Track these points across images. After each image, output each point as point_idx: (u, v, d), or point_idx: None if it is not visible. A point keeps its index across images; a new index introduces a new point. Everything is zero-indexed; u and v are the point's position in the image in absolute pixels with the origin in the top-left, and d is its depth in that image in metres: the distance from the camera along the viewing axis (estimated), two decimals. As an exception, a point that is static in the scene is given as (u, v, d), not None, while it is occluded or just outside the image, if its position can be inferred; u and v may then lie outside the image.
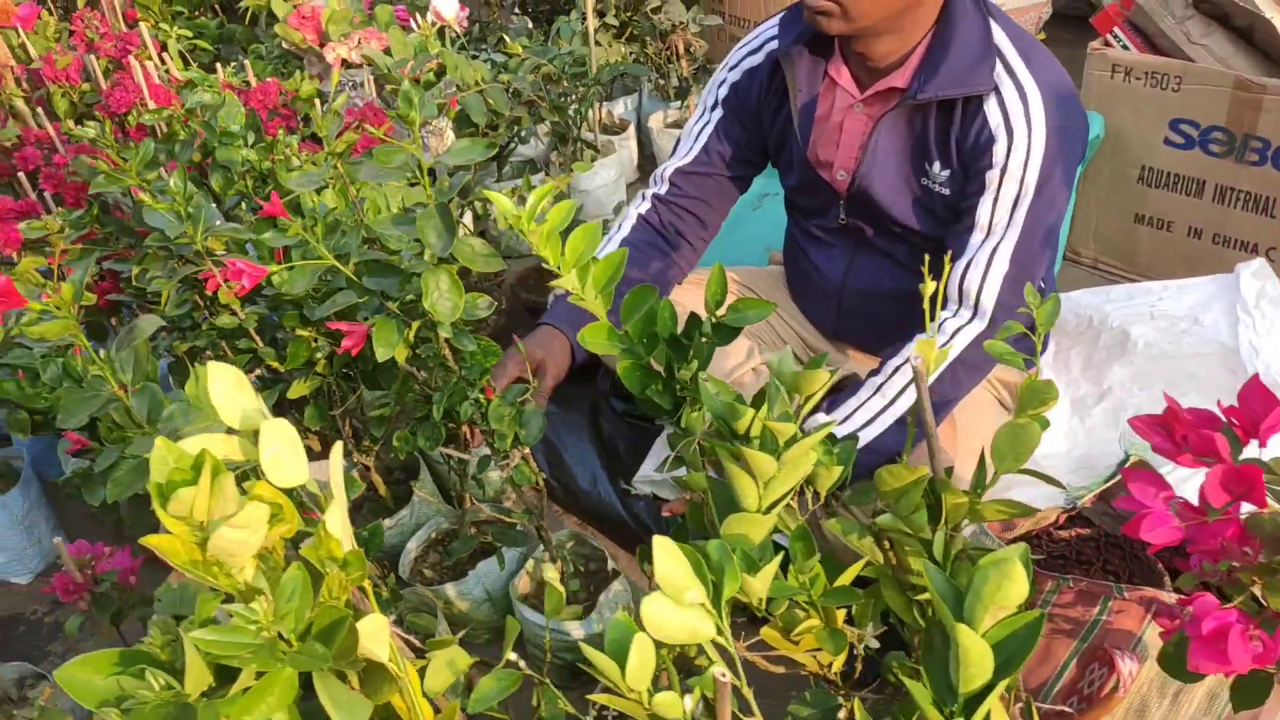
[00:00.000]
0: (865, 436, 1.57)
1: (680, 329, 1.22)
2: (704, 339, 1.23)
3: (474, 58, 2.54)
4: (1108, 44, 2.37)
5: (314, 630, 0.77)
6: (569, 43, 2.64)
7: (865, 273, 1.80)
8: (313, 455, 2.04)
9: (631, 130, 3.04)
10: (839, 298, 1.84)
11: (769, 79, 1.72)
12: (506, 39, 2.29)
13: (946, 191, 1.60)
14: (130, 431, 1.23)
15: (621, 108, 3.16)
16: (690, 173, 1.80)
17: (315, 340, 1.66)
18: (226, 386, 0.81)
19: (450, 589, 1.73)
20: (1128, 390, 1.88)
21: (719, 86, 1.77)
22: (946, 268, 1.52)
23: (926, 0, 1.51)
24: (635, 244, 1.80)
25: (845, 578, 1.04)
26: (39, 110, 2.92)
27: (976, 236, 1.56)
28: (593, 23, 2.60)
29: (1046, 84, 1.52)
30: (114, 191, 1.62)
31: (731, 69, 1.76)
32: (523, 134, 2.45)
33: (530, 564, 1.75)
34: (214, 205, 1.73)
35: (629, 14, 2.75)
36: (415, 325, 1.32)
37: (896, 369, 1.59)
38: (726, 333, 1.21)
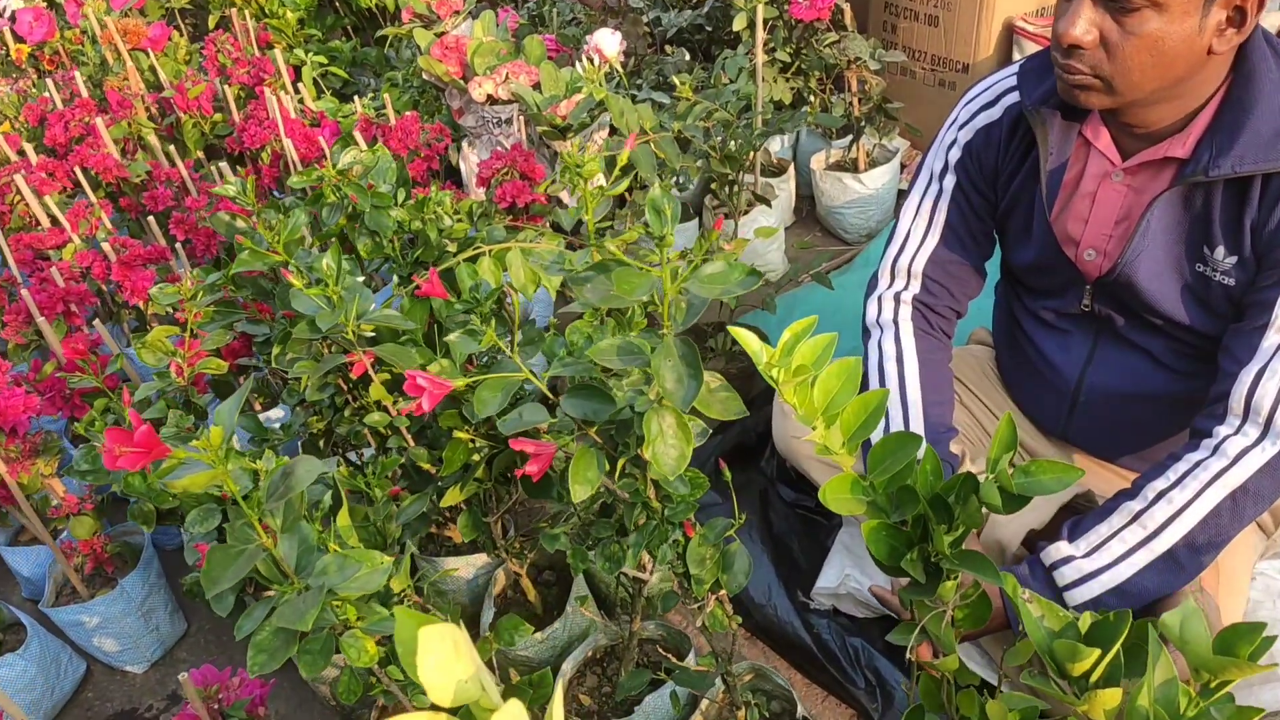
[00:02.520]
0: (1117, 576, 1.30)
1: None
2: (980, 506, 0.97)
3: (633, 97, 2.32)
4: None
5: None
6: (734, 79, 2.40)
7: (1110, 368, 1.51)
8: (453, 549, 1.84)
9: (791, 171, 2.78)
10: (1073, 395, 1.56)
11: (1009, 137, 1.45)
12: (674, 79, 2.05)
13: (1230, 281, 1.31)
14: (279, 586, 1.02)
15: (777, 145, 2.91)
16: (941, 260, 1.54)
17: (474, 442, 1.44)
18: (441, 658, 0.58)
19: (614, 726, 1.51)
20: None
21: (948, 149, 1.51)
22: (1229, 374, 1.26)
23: (1215, 60, 1.22)
24: (935, 364, 1.56)
25: None
26: (165, 142, 2.79)
27: (1272, 339, 1.27)
28: (761, 58, 2.35)
29: None
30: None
31: (962, 127, 1.50)
32: (680, 181, 2.22)
33: (705, 704, 1.51)
34: (361, 278, 1.53)
35: (799, 46, 2.50)
36: (621, 463, 1.09)
37: (1161, 494, 1.30)
38: (1016, 503, 0.96)
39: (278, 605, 1.00)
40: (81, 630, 1.78)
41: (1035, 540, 1.50)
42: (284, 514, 1.01)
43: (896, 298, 1.57)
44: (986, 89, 1.47)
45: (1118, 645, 0.75)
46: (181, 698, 1.81)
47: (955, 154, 1.50)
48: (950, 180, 1.51)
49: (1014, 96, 1.42)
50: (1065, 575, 1.31)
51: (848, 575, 1.73)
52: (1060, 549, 1.34)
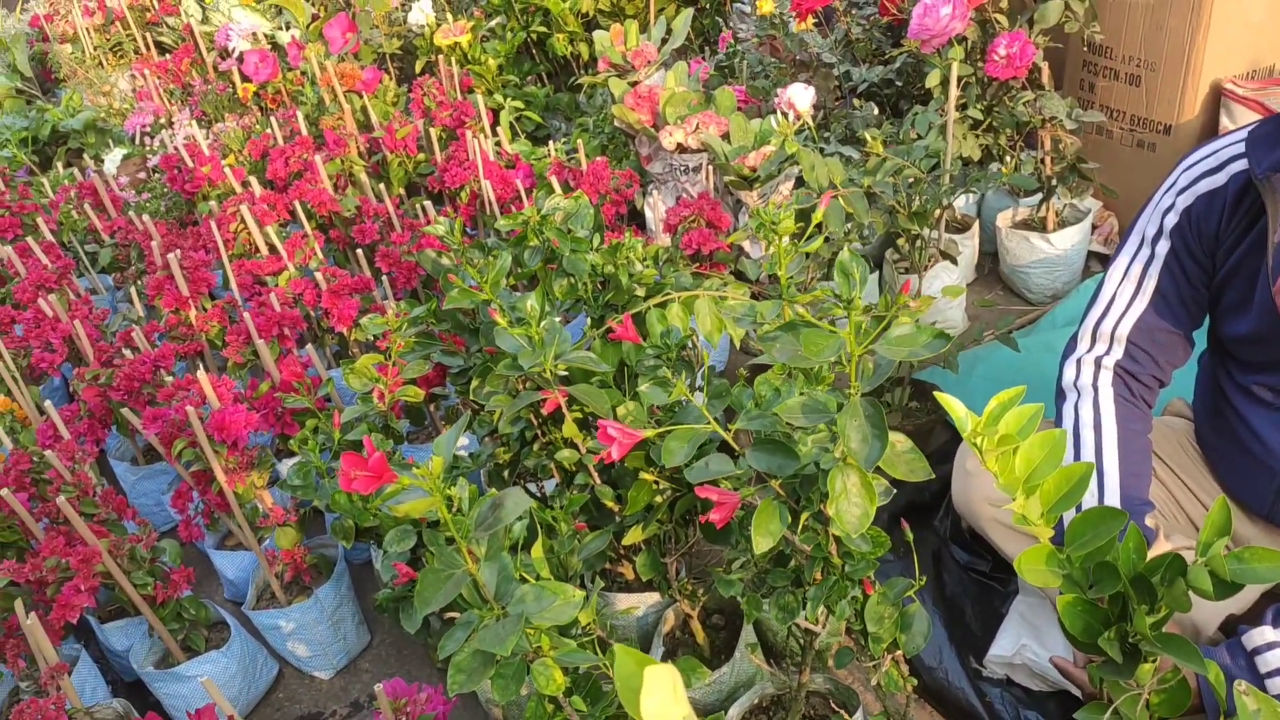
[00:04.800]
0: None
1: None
2: (1187, 590, 0.95)
3: (821, 150, 2.35)
4: None
5: None
6: (924, 135, 2.39)
7: None
8: (624, 585, 1.88)
9: (975, 228, 2.74)
10: (1283, 476, 1.49)
11: (1234, 205, 1.41)
12: (864, 134, 2.07)
13: None
14: (479, 611, 1.08)
15: (962, 201, 2.87)
16: (1148, 327, 1.50)
17: (657, 484, 1.49)
18: (662, 698, 0.62)
19: (778, 778, 1.51)
20: None
21: (1164, 213, 1.47)
22: None
23: None
24: (1134, 434, 1.52)
25: None
26: (373, 179, 2.97)
27: None
28: (953, 115, 2.34)
29: None
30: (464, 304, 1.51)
31: (1181, 192, 1.46)
32: (865, 235, 2.22)
33: (873, 762, 1.50)
34: (558, 319, 1.60)
35: (992, 103, 2.47)
36: (804, 517, 1.12)
37: None
38: (1228, 590, 0.93)
39: (478, 629, 1.06)
40: (278, 634, 1.90)
41: (1234, 624, 1.44)
42: (489, 543, 1.07)
43: (1097, 362, 1.54)
44: (1210, 154, 1.43)
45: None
46: (362, 706, 1.91)
47: (1172, 219, 1.46)
48: (1164, 245, 1.47)
49: (1241, 164, 1.37)
50: (1269, 661, 1.25)
51: (1024, 645, 1.69)
52: (1264, 634, 1.28)
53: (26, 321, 2.40)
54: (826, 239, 2.16)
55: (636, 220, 3.03)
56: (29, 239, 2.73)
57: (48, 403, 2.00)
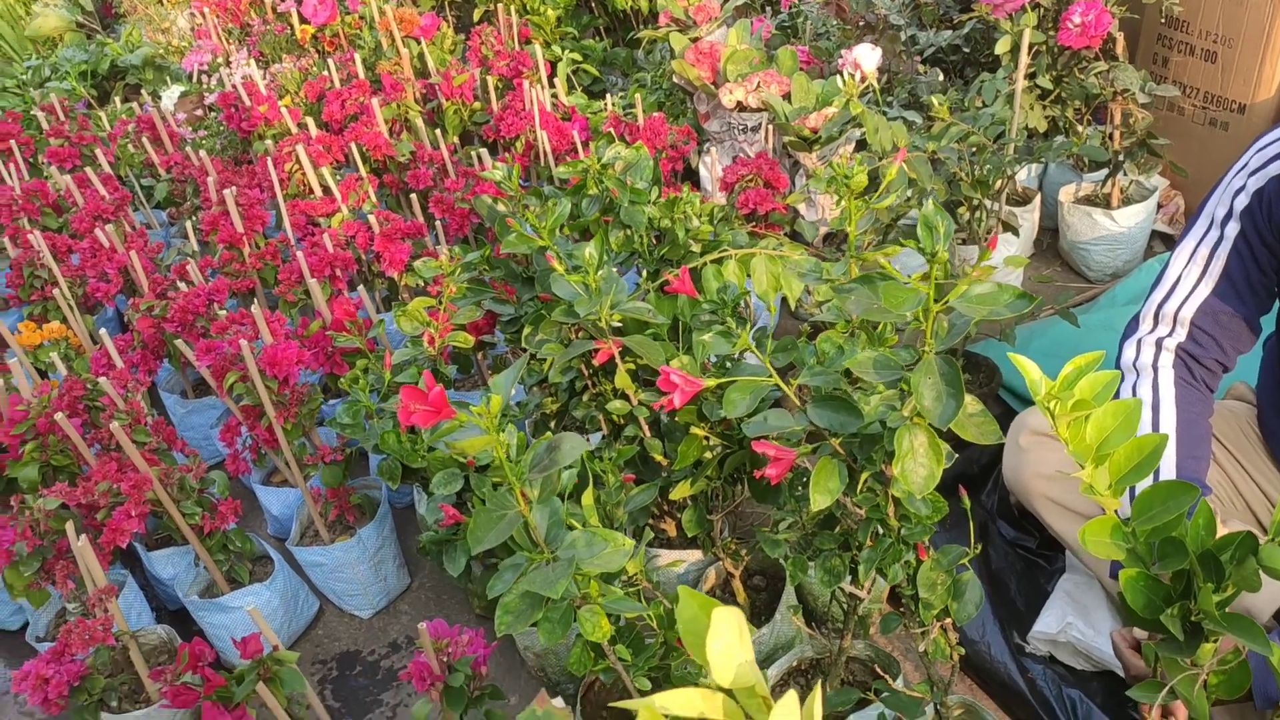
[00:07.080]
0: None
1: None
2: (1257, 569, 0.92)
3: (884, 114, 2.30)
4: None
5: None
6: (990, 103, 2.34)
7: None
8: (665, 542, 1.88)
9: (1036, 201, 2.69)
10: (1346, 464, 1.45)
11: None
12: (929, 99, 2.02)
13: None
14: (530, 553, 1.07)
15: (1024, 173, 2.82)
16: (1213, 310, 1.46)
17: (708, 439, 1.47)
18: (728, 640, 0.60)
19: (814, 740, 1.50)
20: None
21: (1235, 195, 1.43)
22: None
23: None
24: (1194, 417, 1.48)
25: None
26: (429, 125, 2.96)
27: None
28: (1021, 84, 2.29)
29: None
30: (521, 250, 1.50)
31: (1253, 173, 1.42)
32: (924, 200, 2.18)
33: (911, 730, 1.48)
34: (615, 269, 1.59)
35: (1062, 73, 2.41)
36: (864, 477, 1.10)
37: None
38: (1301, 571, 0.91)
39: (527, 571, 1.06)
40: (320, 571, 1.91)
41: (1289, 612, 1.41)
42: (542, 486, 1.07)
43: (1158, 343, 1.50)
44: None
45: None
46: (400, 646, 1.93)
47: (1242, 201, 1.42)
48: (1233, 228, 1.43)
49: None
50: (1325, 651, 1.22)
51: (1069, 624, 1.67)
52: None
53: (83, 251, 2.42)
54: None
55: (691, 178, 3.00)
56: (87, 170, 2.75)
57: (102, 331, 2.02)
